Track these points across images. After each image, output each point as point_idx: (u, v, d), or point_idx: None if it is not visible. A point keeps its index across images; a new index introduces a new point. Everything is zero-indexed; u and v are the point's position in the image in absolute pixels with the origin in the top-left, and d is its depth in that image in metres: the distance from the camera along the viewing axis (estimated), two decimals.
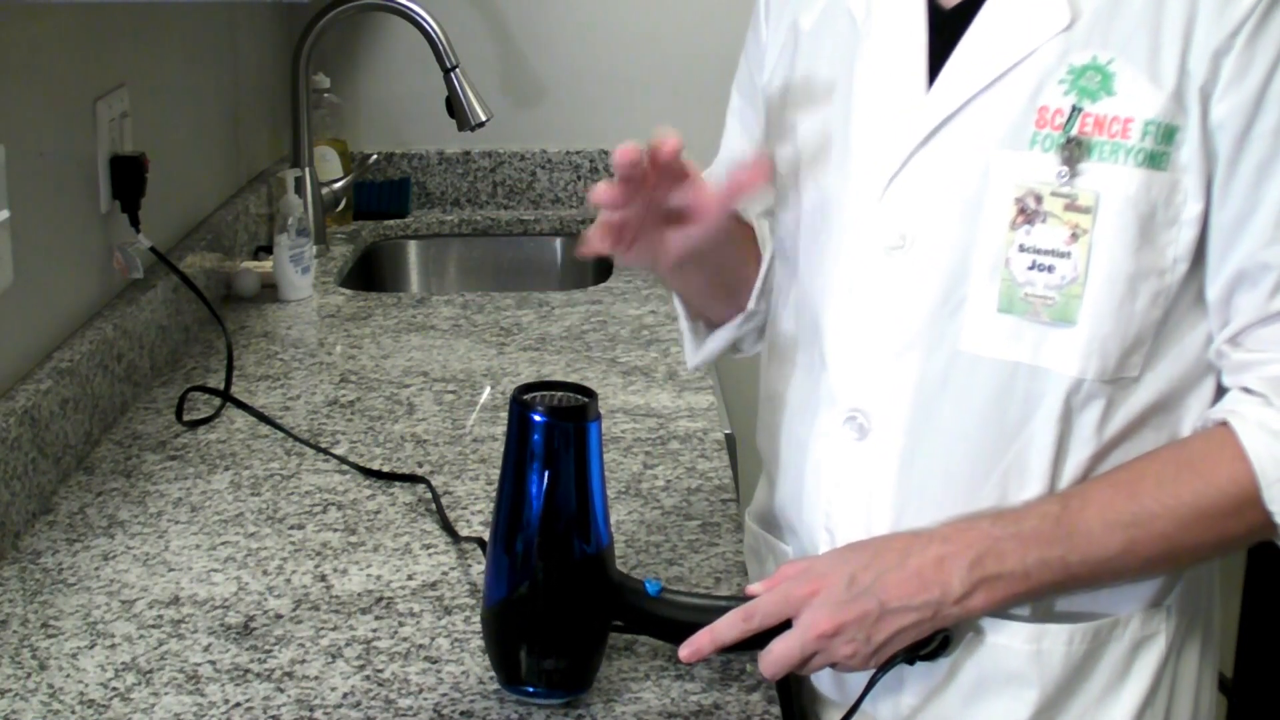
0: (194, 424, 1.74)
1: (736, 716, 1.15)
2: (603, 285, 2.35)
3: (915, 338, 1.18)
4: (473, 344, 2.04)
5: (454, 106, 2.43)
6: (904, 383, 1.18)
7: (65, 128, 1.72)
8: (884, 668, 1.14)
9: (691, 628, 1.14)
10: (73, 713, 1.16)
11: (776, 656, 1.13)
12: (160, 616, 1.30)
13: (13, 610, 1.31)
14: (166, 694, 1.18)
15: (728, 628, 1.13)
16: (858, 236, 1.20)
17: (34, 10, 1.60)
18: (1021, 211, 1.13)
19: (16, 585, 1.36)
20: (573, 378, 1.87)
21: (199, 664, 1.22)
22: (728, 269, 1.35)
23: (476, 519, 1.48)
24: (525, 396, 1.13)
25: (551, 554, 1.12)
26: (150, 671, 1.21)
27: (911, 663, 1.16)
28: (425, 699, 1.17)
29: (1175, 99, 1.09)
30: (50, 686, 1.19)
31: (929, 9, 1.20)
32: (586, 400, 1.13)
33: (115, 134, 1.83)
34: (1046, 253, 1.12)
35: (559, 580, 1.12)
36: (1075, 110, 1.11)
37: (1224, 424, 1.12)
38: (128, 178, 1.83)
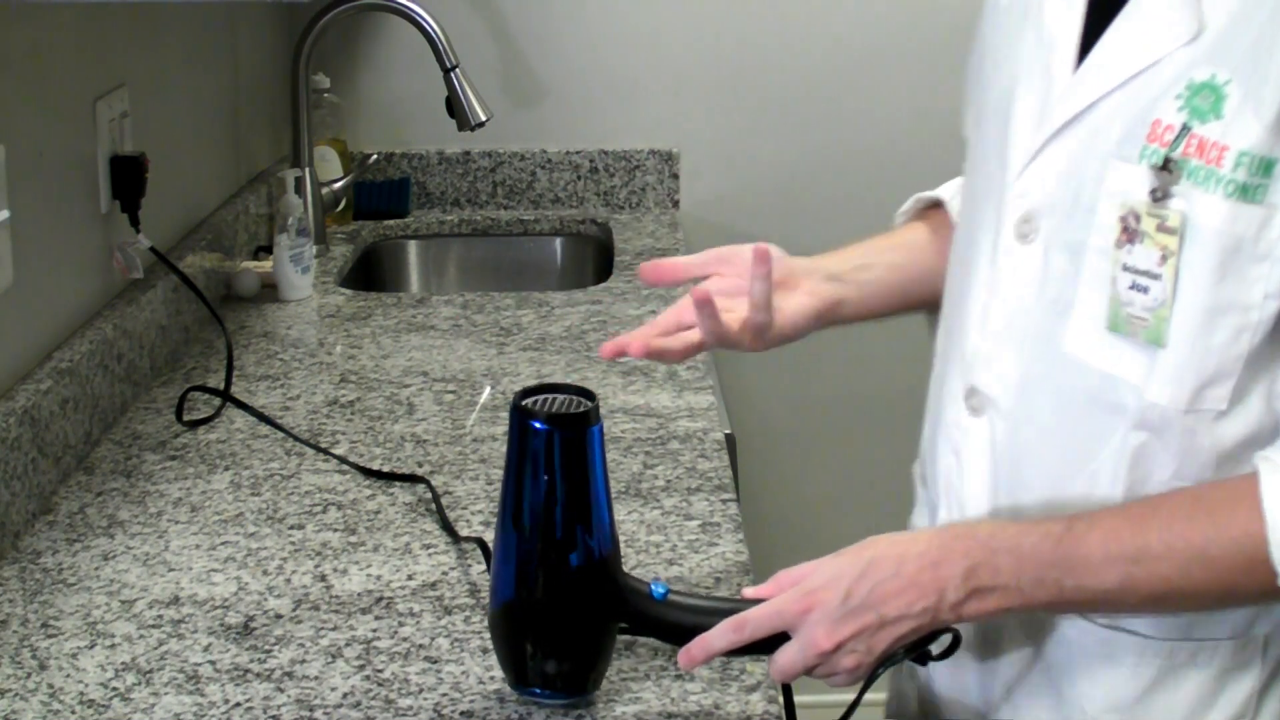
0: (194, 424, 1.74)
1: (736, 716, 1.15)
2: (603, 285, 2.35)
3: (1028, 329, 1.19)
4: (473, 344, 2.04)
5: (454, 106, 2.43)
6: (1012, 370, 1.20)
7: (65, 128, 1.72)
8: (874, 675, 1.13)
9: (696, 631, 1.14)
10: (73, 713, 1.16)
11: (782, 667, 1.13)
12: (160, 616, 1.30)
13: (13, 610, 1.31)
14: (166, 694, 1.18)
15: (718, 638, 1.12)
16: (996, 215, 1.22)
17: (34, 10, 1.60)
18: (1125, 230, 1.11)
19: (16, 585, 1.36)
20: (572, 378, 1.87)
21: (199, 664, 1.22)
22: (900, 300, 1.45)
23: (476, 519, 1.48)
24: (525, 403, 1.12)
25: (554, 560, 1.11)
26: (150, 671, 1.21)
27: (924, 663, 1.15)
28: (425, 699, 1.17)
29: (1275, 131, 1.05)
30: (50, 686, 1.19)
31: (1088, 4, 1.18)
32: (588, 406, 1.13)
33: (115, 134, 1.83)
34: (1143, 273, 1.10)
35: (562, 586, 1.12)
36: (1185, 129, 1.08)
37: (1254, 473, 1.08)
38: (128, 178, 1.83)
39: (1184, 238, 1.08)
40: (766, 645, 1.13)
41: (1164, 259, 1.09)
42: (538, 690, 1.14)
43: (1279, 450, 1.09)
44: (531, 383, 1.35)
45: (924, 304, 1.44)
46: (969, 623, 1.14)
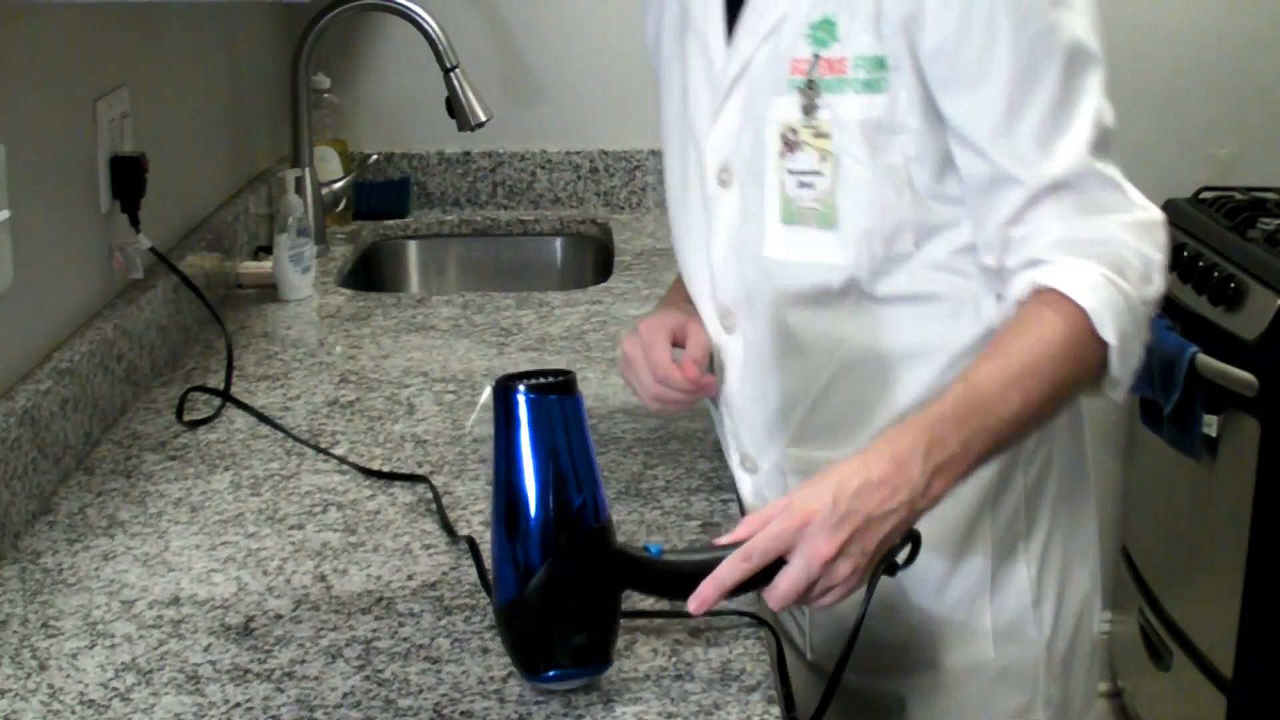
0: (194, 424, 1.74)
1: (736, 716, 1.15)
2: (603, 285, 2.35)
3: (737, 249, 1.44)
4: (473, 344, 2.04)
5: (454, 106, 2.43)
6: (741, 290, 1.44)
7: (65, 128, 1.72)
8: (871, 586, 1.20)
9: (697, 578, 1.17)
10: (73, 713, 1.16)
11: (784, 591, 1.17)
12: (160, 616, 1.30)
13: (13, 610, 1.31)
14: (166, 694, 1.18)
15: (729, 572, 1.17)
16: (700, 174, 1.47)
17: (34, 10, 1.60)
18: (785, 143, 1.37)
19: (16, 585, 1.36)
20: None
21: (199, 664, 1.22)
22: None
23: (476, 519, 1.48)
24: (507, 383, 1.15)
25: (565, 529, 1.13)
26: (150, 671, 1.21)
27: (893, 574, 1.21)
28: (425, 699, 1.17)
29: (875, 33, 1.31)
30: (50, 686, 1.19)
31: None
32: (567, 376, 1.16)
33: (115, 134, 1.83)
34: (807, 173, 1.37)
35: (576, 555, 1.13)
36: (815, 58, 1.35)
37: (1038, 290, 1.28)
38: (128, 178, 1.83)
39: (834, 133, 1.35)
40: (763, 580, 1.17)
41: (823, 158, 1.36)
42: (560, 672, 1.15)
43: (1038, 270, 1.29)
44: None
45: None
46: (937, 504, 1.23)
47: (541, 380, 1.15)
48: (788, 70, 1.37)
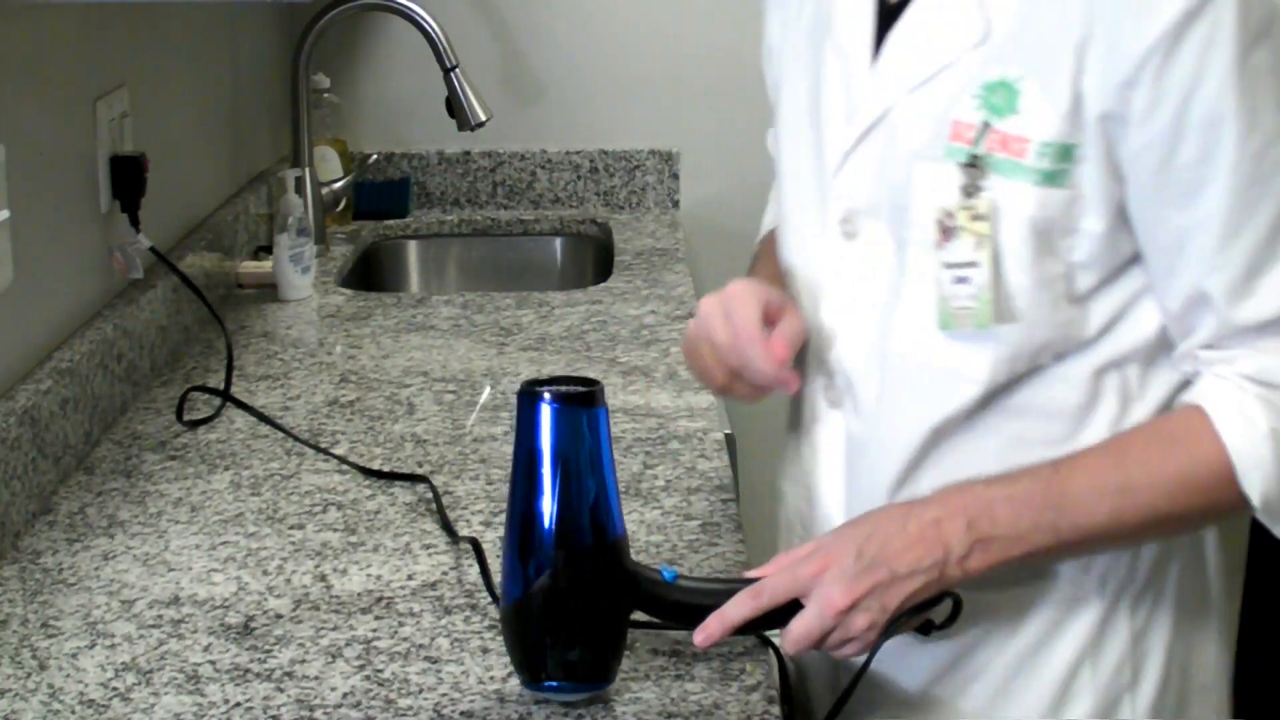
0: (194, 424, 1.74)
1: (736, 716, 1.15)
2: (603, 285, 2.35)
3: (856, 319, 1.26)
4: (473, 344, 2.04)
5: (454, 106, 2.43)
6: (857, 364, 1.26)
7: (65, 128, 1.72)
8: (879, 642, 1.15)
9: (708, 611, 1.15)
10: (73, 713, 1.16)
11: (797, 636, 1.14)
12: (160, 616, 1.30)
13: (13, 610, 1.31)
14: (166, 694, 1.18)
15: (736, 608, 1.14)
16: (820, 215, 1.28)
17: (34, 10, 1.60)
18: (942, 230, 1.17)
19: (16, 585, 1.36)
20: None
21: (199, 664, 1.22)
22: None
23: (477, 519, 1.48)
24: (532, 389, 1.14)
25: (573, 541, 1.12)
26: (150, 671, 1.21)
27: (928, 633, 1.17)
28: (425, 699, 1.17)
29: (1070, 119, 1.13)
30: (50, 686, 1.19)
31: (877, 6, 1.25)
32: (593, 387, 1.15)
33: (115, 134, 1.83)
34: (963, 265, 1.17)
35: (579, 568, 1.12)
36: (985, 126, 1.15)
37: (1199, 408, 1.15)
38: (128, 178, 1.83)
39: (997, 223, 1.15)
40: (778, 621, 1.14)
41: (979, 245, 1.15)
42: (556, 684, 1.14)
43: (1212, 387, 1.15)
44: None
45: None
46: (974, 579, 1.15)
47: (566, 390, 1.14)
48: (946, 133, 1.17)
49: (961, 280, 1.17)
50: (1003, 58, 1.15)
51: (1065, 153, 1.13)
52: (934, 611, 1.17)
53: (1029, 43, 1.14)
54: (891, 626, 1.14)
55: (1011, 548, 1.14)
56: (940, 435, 1.22)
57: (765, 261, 1.44)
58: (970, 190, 1.15)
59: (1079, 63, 1.12)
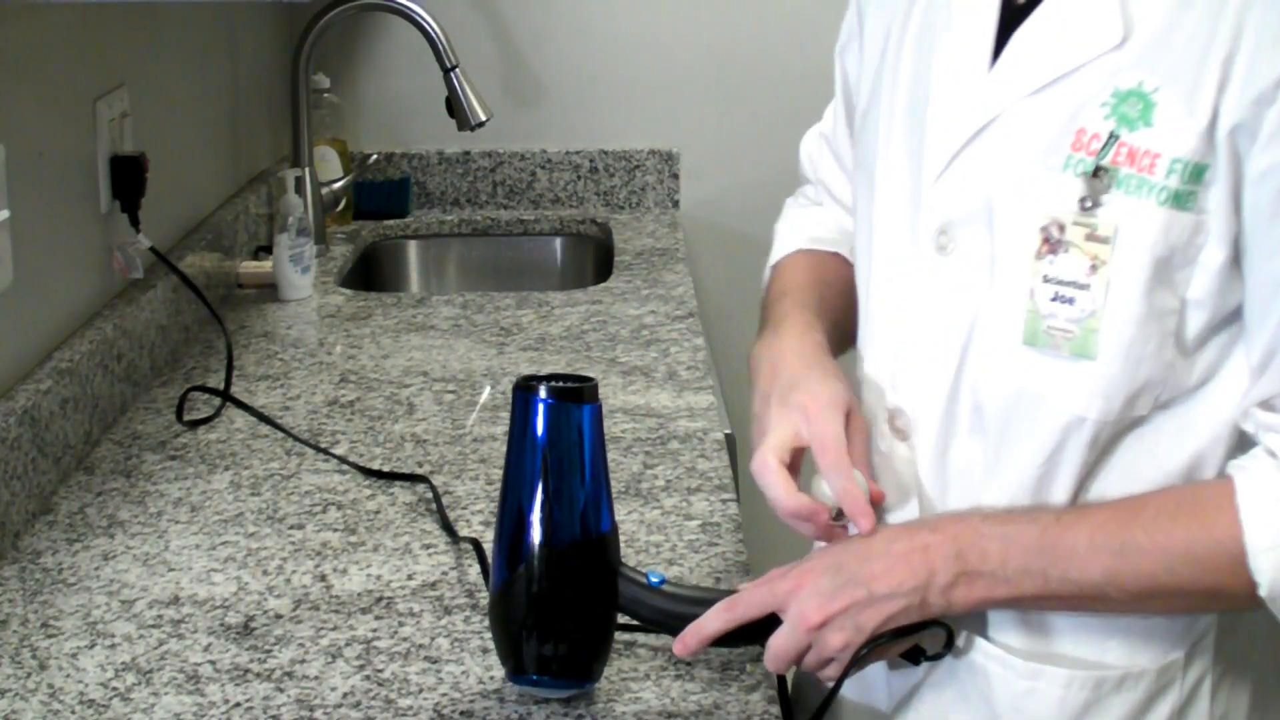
0: (194, 424, 1.74)
1: (736, 716, 1.15)
2: (603, 285, 2.35)
3: (938, 341, 1.16)
4: (473, 344, 2.04)
5: (454, 106, 2.43)
6: (931, 392, 1.17)
7: (65, 128, 1.72)
8: (853, 664, 1.11)
9: (689, 621, 1.14)
10: (73, 713, 1.16)
11: (775, 651, 1.13)
12: (160, 616, 1.30)
13: (13, 610, 1.31)
14: (166, 694, 1.18)
15: (712, 620, 1.12)
16: (911, 227, 1.18)
17: (34, 10, 1.60)
18: (1046, 241, 1.08)
19: (16, 585, 1.36)
20: None
21: (199, 664, 1.22)
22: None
23: (477, 519, 1.48)
24: (527, 384, 1.15)
25: (553, 535, 1.12)
26: (150, 671, 1.21)
27: (917, 662, 1.16)
28: (425, 699, 1.17)
29: (1206, 136, 1.03)
30: (50, 686, 1.19)
31: (1002, 5, 1.15)
32: (586, 384, 1.15)
33: (115, 134, 1.83)
34: (1068, 284, 1.08)
35: (560, 563, 1.12)
36: (1112, 137, 1.06)
37: (1230, 480, 1.07)
38: (128, 178, 1.83)
39: (1116, 247, 1.06)
40: (760, 635, 1.13)
41: (1094, 269, 1.06)
42: (535, 678, 1.14)
43: (1254, 459, 1.07)
44: None
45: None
46: (960, 613, 1.12)
47: (562, 385, 1.14)
48: (1068, 142, 1.07)
49: (1062, 299, 1.08)
50: (1140, 64, 1.05)
51: (1197, 173, 1.04)
52: (926, 640, 1.14)
53: (1172, 50, 1.05)
54: (871, 649, 1.11)
55: (997, 588, 1.09)
56: (1042, 471, 1.13)
57: (798, 296, 1.32)
58: (1088, 204, 1.06)
59: (1224, 76, 1.03)
